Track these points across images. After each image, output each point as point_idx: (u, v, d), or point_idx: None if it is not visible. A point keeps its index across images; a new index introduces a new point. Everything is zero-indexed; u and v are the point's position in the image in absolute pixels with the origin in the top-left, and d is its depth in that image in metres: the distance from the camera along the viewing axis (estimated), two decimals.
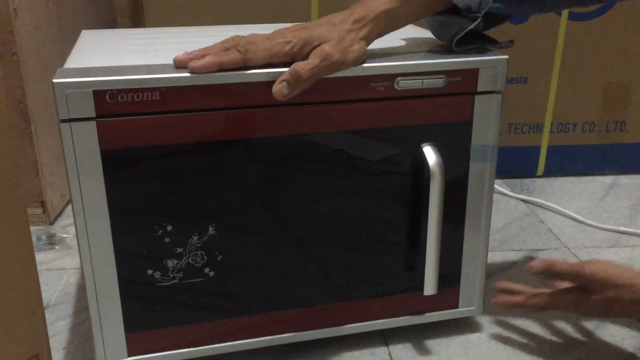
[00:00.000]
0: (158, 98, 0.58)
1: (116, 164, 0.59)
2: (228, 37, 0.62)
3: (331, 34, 0.60)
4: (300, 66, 0.59)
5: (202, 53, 0.60)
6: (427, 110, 0.65)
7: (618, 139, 1.21)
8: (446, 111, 0.66)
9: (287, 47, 0.60)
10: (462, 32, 0.65)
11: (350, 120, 0.64)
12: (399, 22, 0.64)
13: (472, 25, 0.64)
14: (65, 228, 1.02)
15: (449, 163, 0.67)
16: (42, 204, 1.02)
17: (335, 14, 0.63)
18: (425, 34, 0.78)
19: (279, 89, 0.59)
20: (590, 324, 0.78)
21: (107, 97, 0.57)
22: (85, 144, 0.58)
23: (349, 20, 0.62)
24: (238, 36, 0.61)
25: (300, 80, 0.59)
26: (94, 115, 0.57)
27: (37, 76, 0.99)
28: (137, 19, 1.37)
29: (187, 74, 0.58)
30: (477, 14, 0.63)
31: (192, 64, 0.58)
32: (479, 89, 0.66)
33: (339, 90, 0.62)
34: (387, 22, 0.63)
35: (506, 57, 0.65)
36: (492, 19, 0.66)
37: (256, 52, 0.59)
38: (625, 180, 1.22)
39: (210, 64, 0.58)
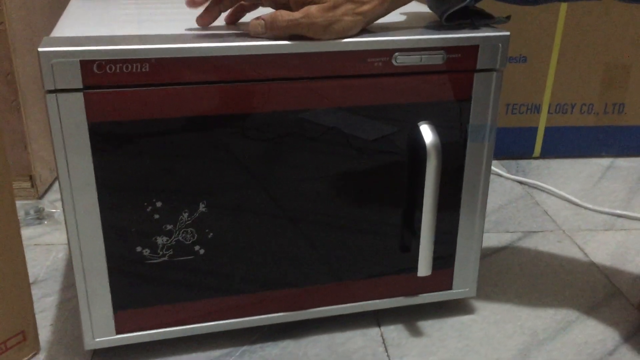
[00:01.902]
0: (148, 69, 0.56)
1: (104, 137, 0.57)
2: None
3: None
4: (282, 14, 0.59)
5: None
6: (425, 87, 0.63)
7: (616, 121, 1.20)
8: (444, 89, 0.64)
9: None
10: (452, 9, 0.63)
11: (346, 96, 0.62)
12: (401, 0, 0.62)
13: (463, 4, 0.63)
14: (53, 203, 1.01)
15: (446, 142, 0.66)
16: (31, 178, 1.00)
17: None
18: (425, 8, 0.76)
19: (255, 25, 0.60)
20: (584, 307, 0.78)
21: (94, 68, 0.55)
22: (72, 116, 0.56)
23: None
24: None
25: (275, 27, 0.59)
26: (81, 86, 0.55)
27: (25, 46, 0.96)
28: None
29: (178, 45, 0.56)
30: None
31: (197, 20, 0.62)
32: (479, 66, 0.64)
33: (334, 65, 0.60)
34: (391, 0, 0.61)
35: (507, 33, 0.64)
36: None
37: None
38: (622, 162, 1.21)
39: (210, 8, 0.62)
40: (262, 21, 0.59)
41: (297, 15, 0.58)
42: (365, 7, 0.60)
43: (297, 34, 0.59)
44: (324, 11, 0.58)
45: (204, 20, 0.63)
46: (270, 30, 0.59)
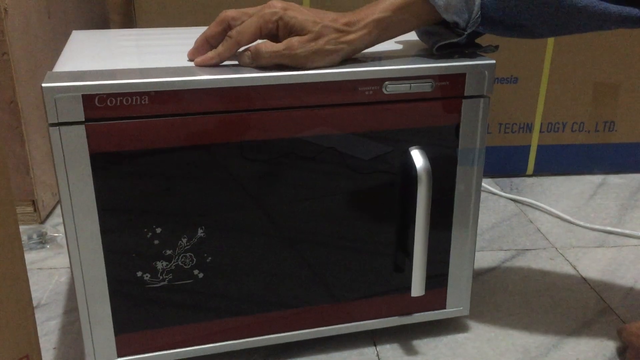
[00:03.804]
0: (147, 102, 0.58)
1: (105, 167, 0.60)
2: (219, 18, 0.65)
3: (313, 27, 0.62)
4: (266, 45, 0.62)
5: (202, 45, 0.66)
6: (415, 114, 0.66)
7: (607, 139, 1.22)
8: (434, 115, 0.66)
9: (273, 19, 0.62)
10: (444, 42, 0.66)
11: (339, 124, 0.64)
12: (392, 31, 0.64)
13: (456, 40, 0.65)
14: (56, 227, 1.02)
15: (437, 166, 0.68)
16: (33, 202, 1.02)
17: (332, 12, 0.64)
18: (414, 37, 0.78)
19: (242, 56, 0.63)
20: (575, 324, 0.79)
21: (96, 101, 0.57)
22: (74, 148, 0.58)
23: (339, 21, 0.62)
24: (227, 16, 0.65)
25: (259, 58, 0.62)
26: (83, 119, 0.57)
27: (28, 75, 0.99)
28: (129, 16, 1.37)
29: (176, 78, 0.58)
30: (464, 31, 0.64)
31: (195, 60, 0.64)
32: (466, 93, 0.66)
33: (327, 94, 0.63)
34: (380, 31, 0.63)
35: (493, 61, 0.66)
36: (477, 34, 0.67)
37: (245, 32, 0.63)
38: (613, 179, 1.23)
39: (210, 59, 0.64)
40: (249, 52, 0.62)
41: (279, 47, 0.61)
42: (351, 37, 0.62)
43: (280, 63, 0.62)
44: (305, 42, 0.61)
45: (192, 56, 0.66)
46: (256, 60, 0.62)
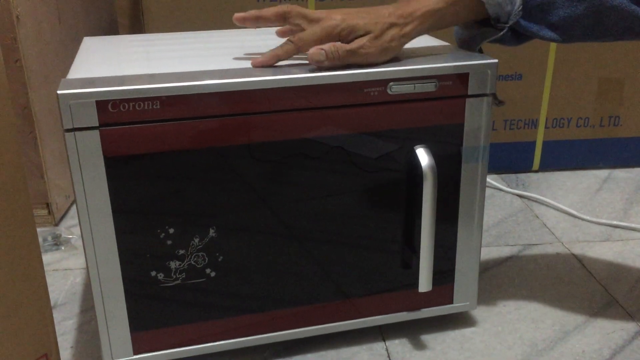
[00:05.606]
0: (158, 107, 0.60)
1: (119, 170, 0.61)
2: (280, 9, 0.67)
3: (375, 27, 0.64)
4: (341, 47, 0.64)
5: (252, 19, 0.68)
6: (420, 113, 0.67)
7: (612, 134, 1.23)
8: (438, 114, 0.68)
9: (336, 31, 0.65)
10: (486, 40, 0.68)
11: (346, 124, 0.66)
12: (442, 23, 0.67)
13: (497, 36, 0.67)
14: (70, 229, 1.04)
15: (442, 164, 0.69)
16: (47, 205, 1.05)
17: (383, 6, 0.67)
18: (418, 39, 0.80)
19: (317, 55, 0.64)
20: (581, 317, 0.81)
21: (109, 107, 0.59)
22: (89, 152, 0.60)
23: (395, 14, 0.65)
24: (289, 12, 0.67)
25: (336, 58, 0.64)
26: (97, 124, 0.59)
27: (40, 81, 1.01)
28: (137, 20, 1.39)
29: (185, 83, 0.60)
30: (505, 25, 0.66)
31: (252, 61, 0.66)
32: (470, 92, 0.67)
33: (333, 96, 0.64)
34: (432, 22, 0.66)
35: (496, 60, 0.67)
36: (522, 34, 0.69)
37: (307, 41, 0.65)
38: (619, 174, 1.24)
39: (269, 60, 0.66)
40: (324, 52, 0.64)
41: (353, 46, 0.64)
42: (408, 29, 0.65)
43: (353, 63, 0.65)
44: (373, 40, 0.64)
45: (239, 21, 0.69)
46: (331, 61, 0.64)
